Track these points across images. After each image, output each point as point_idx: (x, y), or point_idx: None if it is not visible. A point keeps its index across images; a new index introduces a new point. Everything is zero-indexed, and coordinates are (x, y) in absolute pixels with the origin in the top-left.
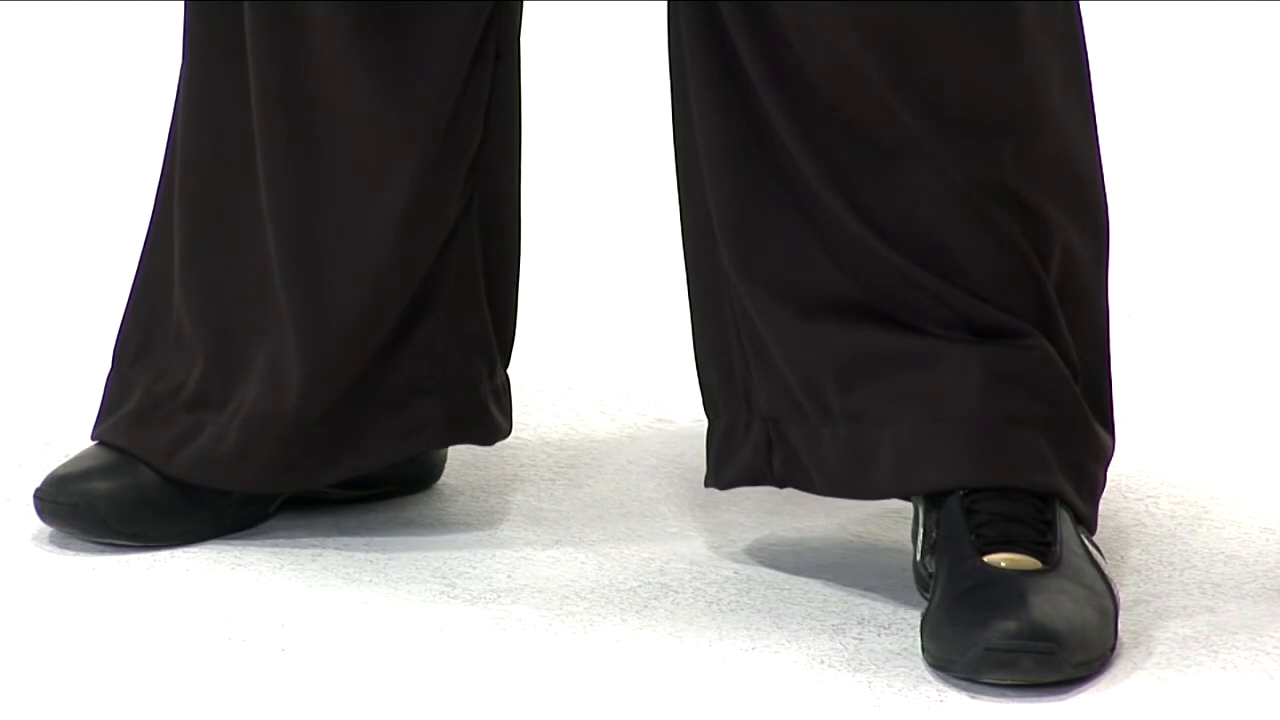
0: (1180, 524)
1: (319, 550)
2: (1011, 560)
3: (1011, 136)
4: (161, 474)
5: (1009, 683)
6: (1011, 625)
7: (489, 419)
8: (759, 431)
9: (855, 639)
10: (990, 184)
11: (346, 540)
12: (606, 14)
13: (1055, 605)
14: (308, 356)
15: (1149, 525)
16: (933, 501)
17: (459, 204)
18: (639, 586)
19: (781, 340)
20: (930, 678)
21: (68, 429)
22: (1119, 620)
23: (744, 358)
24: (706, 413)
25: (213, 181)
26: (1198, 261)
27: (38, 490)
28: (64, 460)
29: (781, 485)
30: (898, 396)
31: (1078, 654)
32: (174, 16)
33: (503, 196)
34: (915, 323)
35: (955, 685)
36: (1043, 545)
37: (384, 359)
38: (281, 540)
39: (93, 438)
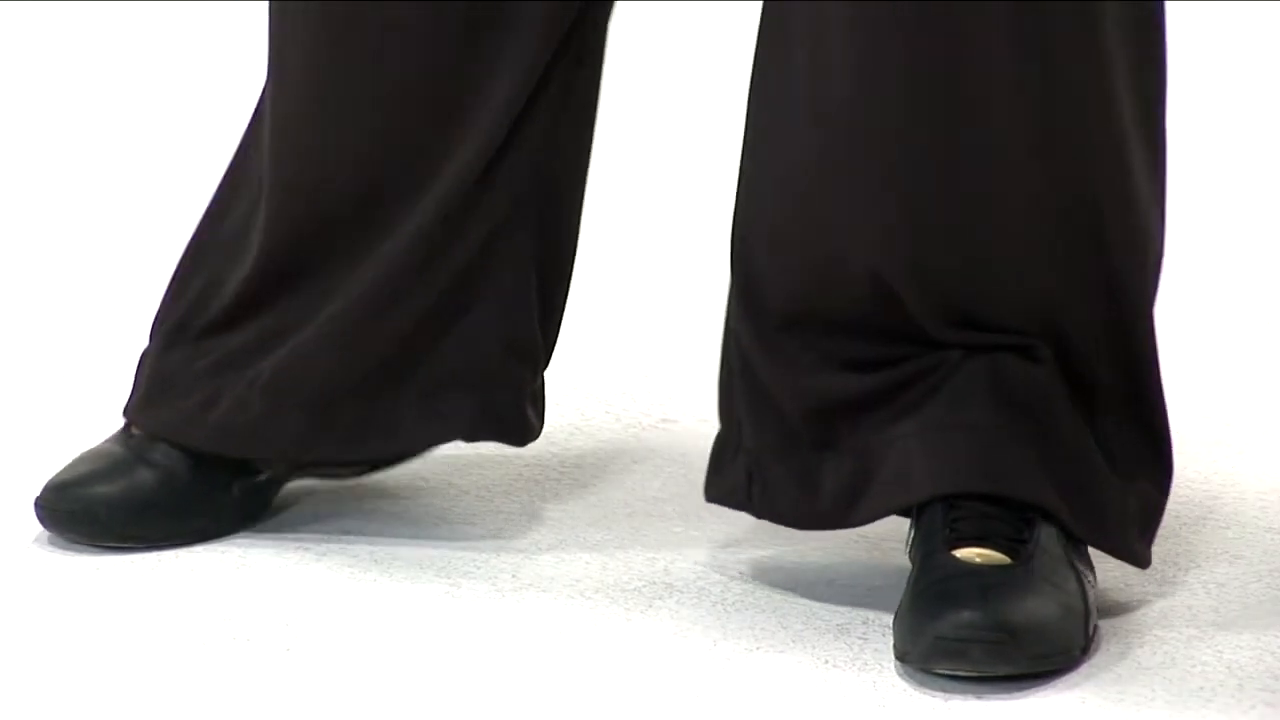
0: (1184, 524)
1: (323, 550)
2: (981, 555)
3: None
4: (182, 448)
5: (961, 674)
6: (964, 615)
7: (523, 420)
8: (743, 460)
9: (860, 639)
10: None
11: (351, 540)
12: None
13: (1016, 598)
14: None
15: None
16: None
17: (508, 199)
18: (643, 587)
19: (782, 384)
20: (935, 679)
21: (68, 429)
22: (1092, 623)
23: (741, 392)
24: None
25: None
26: (1201, 261)
27: (38, 498)
28: (63, 466)
29: (758, 516)
30: (896, 417)
31: (1033, 646)
32: (173, 17)
33: (564, 201)
34: (924, 335)
35: (959, 686)
36: (1016, 543)
37: (422, 344)
38: (286, 540)
39: (124, 415)
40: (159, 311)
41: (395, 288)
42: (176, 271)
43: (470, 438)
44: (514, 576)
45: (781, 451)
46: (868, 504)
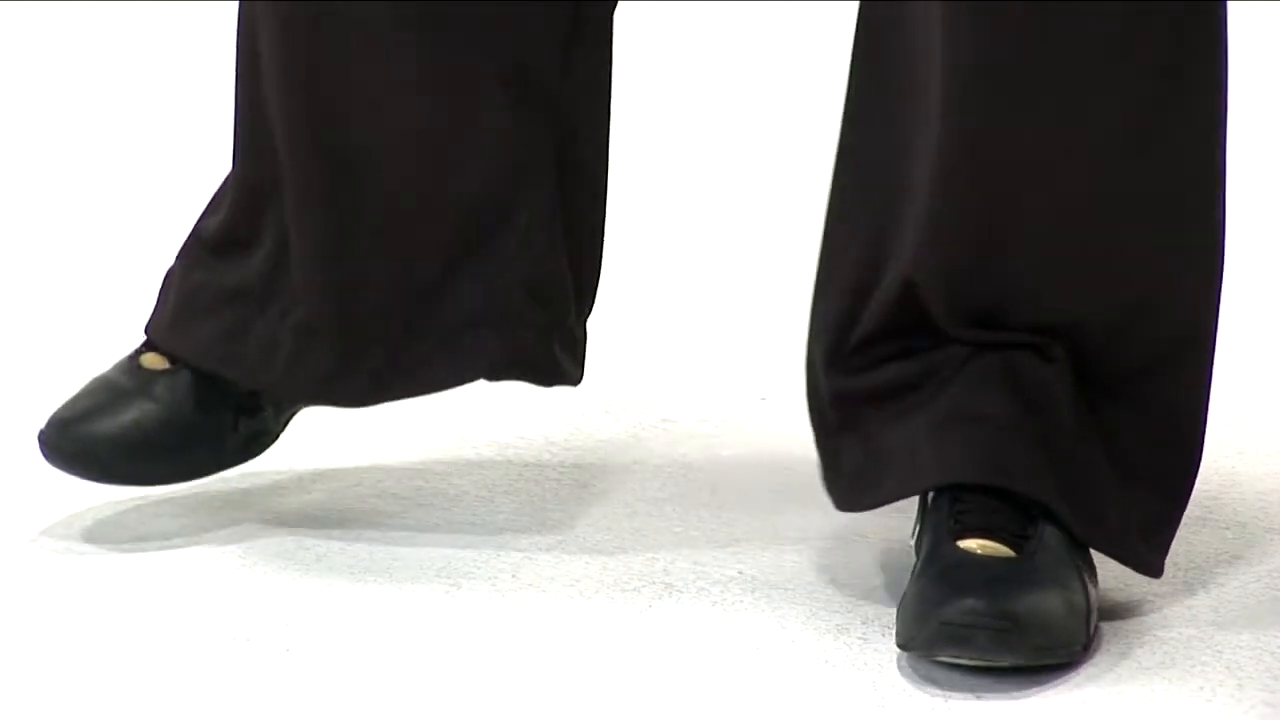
0: (1184, 525)
1: (323, 550)
2: (984, 546)
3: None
4: (199, 370)
5: (964, 662)
6: (969, 602)
7: (551, 362)
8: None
9: (860, 639)
10: None
11: (351, 540)
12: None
13: (1020, 589)
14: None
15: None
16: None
17: (527, 136)
18: (643, 587)
19: (815, 370)
20: (935, 678)
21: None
22: (1093, 622)
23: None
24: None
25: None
26: None
27: (40, 432)
28: (68, 397)
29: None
30: (911, 408)
31: (1036, 637)
32: (175, 16)
33: (587, 138)
34: (939, 331)
35: (959, 685)
36: (1020, 537)
37: (440, 286)
38: (286, 540)
39: (146, 333)
40: (191, 229)
41: (413, 227)
42: (214, 195)
43: (493, 376)
44: (514, 577)
45: (819, 432)
46: (879, 490)
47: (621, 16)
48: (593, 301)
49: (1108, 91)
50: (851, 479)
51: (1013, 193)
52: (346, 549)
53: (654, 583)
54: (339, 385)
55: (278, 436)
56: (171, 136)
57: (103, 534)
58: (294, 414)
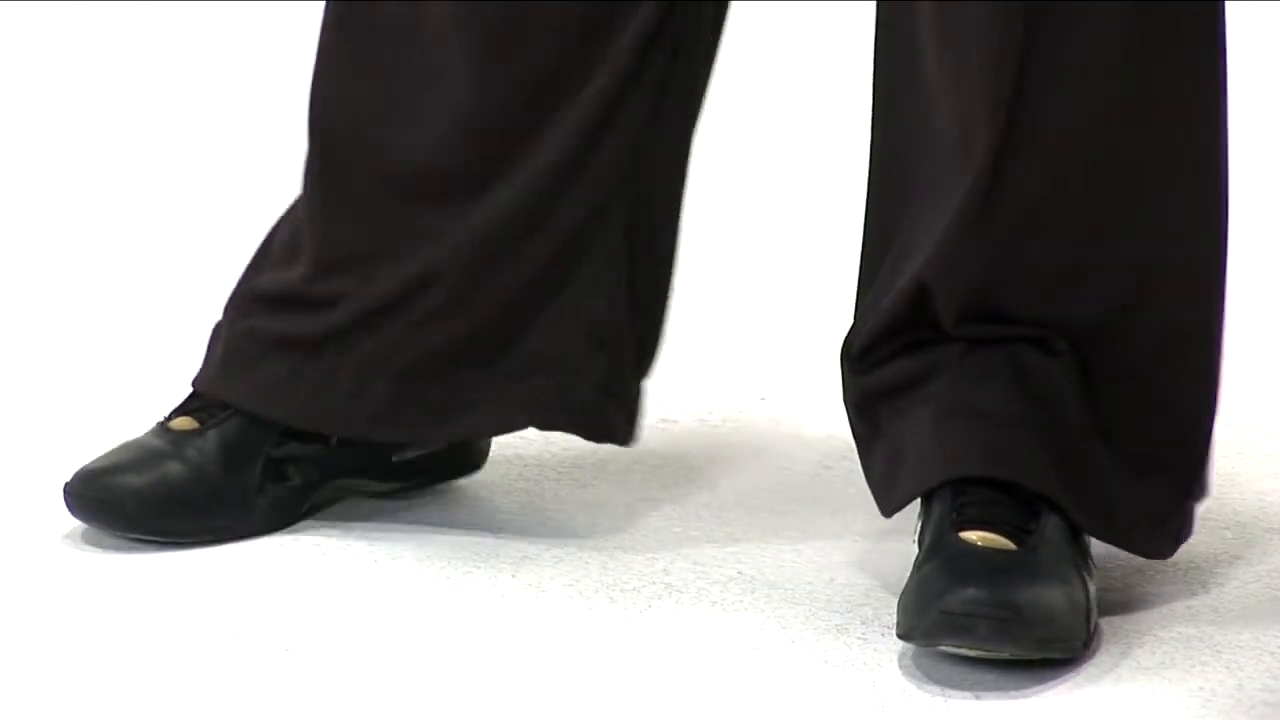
0: None
1: (323, 549)
2: (986, 539)
3: None
4: (254, 415)
5: (965, 651)
6: (971, 592)
7: (602, 415)
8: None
9: (859, 639)
10: None
11: (350, 539)
12: None
13: (1022, 581)
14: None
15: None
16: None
17: (601, 187)
18: (642, 587)
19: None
20: (935, 678)
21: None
22: (1093, 619)
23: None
24: None
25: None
26: None
27: (67, 484)
28: (96, 456)
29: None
30: (917, 403)
31: (1038, 629)
32: (174, 16)
33: (659, 194)
34: (942, 328)
35: (958, 685)
36: (1022, 531)
37: (505, 329)
38: (285, 539)
39: (194, 386)
40: (237, 283)
41: (484, 268)
42: (260, 246)
43: (543, 425)
44: (513, 576)
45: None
46: (898, 490)
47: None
48: (652, 363)
49: (1113, 87)
50: (879, 483)
51: (1030, 195)
52: (346, 548)
53: (654, 582)
54: (389, 423)
55: (304, 509)
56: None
57: (102, 533)
58: (321, 487)
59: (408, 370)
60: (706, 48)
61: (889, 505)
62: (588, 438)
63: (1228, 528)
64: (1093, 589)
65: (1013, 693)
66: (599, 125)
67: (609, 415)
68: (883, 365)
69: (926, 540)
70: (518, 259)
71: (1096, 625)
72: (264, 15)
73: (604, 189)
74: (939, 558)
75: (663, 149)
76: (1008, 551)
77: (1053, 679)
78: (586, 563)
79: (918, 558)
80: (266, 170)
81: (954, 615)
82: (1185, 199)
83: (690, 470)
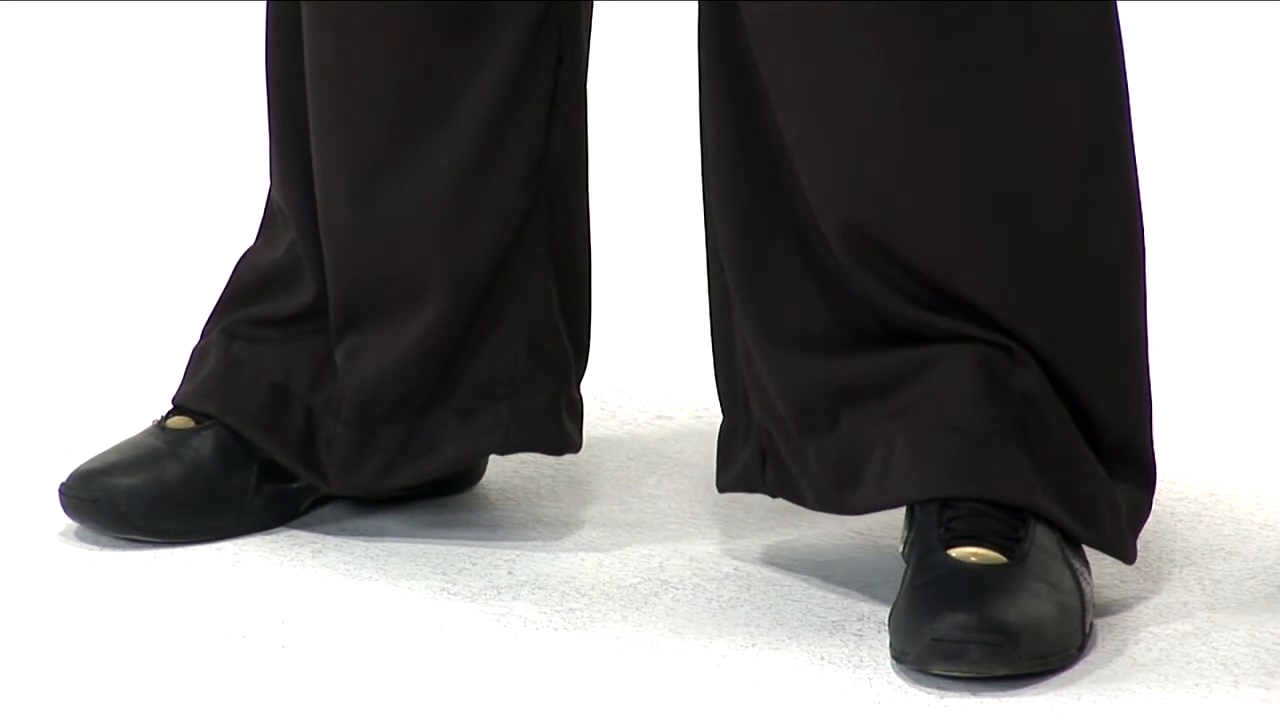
0: (1180, 520)
1: (319, 547)
2: (977, 555)
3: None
4: (237, 432)
5: (959, 675)
6: (960, 617)
7: (559, 430)
8: (755, 440)
9: (855, 636)
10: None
11: (346, 537)
12: (617, 14)
13: (1011, 598)
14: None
15: (1149, 521)
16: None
17: (520, 207)
18: (639, 583)
19: (781, 374)
20: (932, 675)
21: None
22: (1088, 620)
23: (744, 371)
24: (721, 409)
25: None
26: (1197, 258)
27: (62, 484)
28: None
29: (773, 495)
30: (889, 414)
31: (1030, 647)
32: (173, 16)
33: (570, 203)
34: (916, 336)
35: (955, 683)
36: (1011, 541)
37: (454, 361)
38: (281, 537)
39: (173, 401)
40: (215, 306)
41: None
42: (230, 277)
43: (505, 449)
44: (509, 573)
45: (786, 434)
46: (859, 496)
47: (615, 16)
48: (585, 364)
49: (1014, 93)
50: (832, 482)
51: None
52: (342, 545)
53: (649, 579)
54: (352, 473)
55: (303, 506)
56: (189, 135)
57: (99, 533)
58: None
59: (364, 418)
60: (582, 50)
61: (842, 507)
62: (548, 453)
63: (1223, 524)
64: (1087, 588)
65: (1009, 690)
66: (497, 138)
67: (564, 427)
68: (841, 356)
69: (914, 556)
70: (458, 282)
71: (1091, 625)
72: (263, 15)
73: (518, 199)
74: (926, 577)
75: (564, 159)
76: (997, 566)
77: (1049, 677)
78: (583, 559)
79: (906, 570)
80: (266, 170)
81: (944, 643)
82: (1097, 208)
83: (686, 467)
